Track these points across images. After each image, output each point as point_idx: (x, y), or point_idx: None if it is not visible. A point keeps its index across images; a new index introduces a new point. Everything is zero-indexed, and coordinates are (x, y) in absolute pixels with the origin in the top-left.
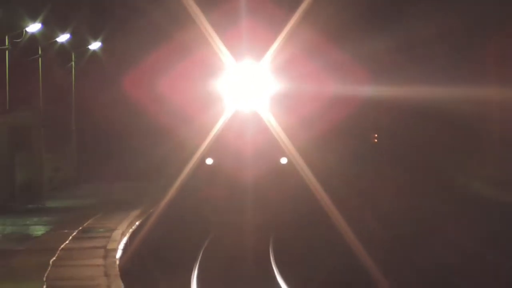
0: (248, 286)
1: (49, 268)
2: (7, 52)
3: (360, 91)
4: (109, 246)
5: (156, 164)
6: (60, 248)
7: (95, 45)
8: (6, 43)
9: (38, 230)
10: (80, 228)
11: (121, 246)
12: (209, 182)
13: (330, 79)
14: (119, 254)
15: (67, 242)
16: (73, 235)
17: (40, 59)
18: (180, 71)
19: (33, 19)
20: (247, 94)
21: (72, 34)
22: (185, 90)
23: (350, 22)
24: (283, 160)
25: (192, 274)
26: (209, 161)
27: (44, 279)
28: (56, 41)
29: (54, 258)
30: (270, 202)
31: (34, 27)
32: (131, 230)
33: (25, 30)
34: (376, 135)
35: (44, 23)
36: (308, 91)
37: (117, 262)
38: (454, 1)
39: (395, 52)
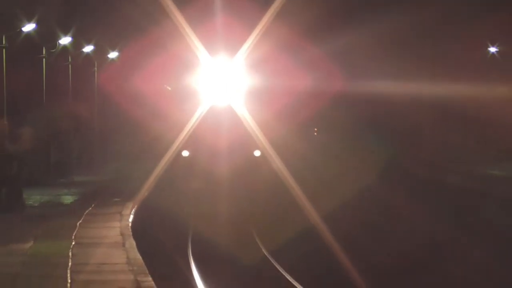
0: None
1: (76, 229)
2: (43, 60)
3: (330, 86)
4: (124, 212)
5: (146, 149)
6: (85, 213)
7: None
8: (43, 52)
9: (68, 199)
10: (101, 197)
11: (133, 211)
12: (185, 174)
13: (303, 74)
14: (131, 218)
15: (90, 208)
16: (95, 203)
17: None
18: (156, 66)
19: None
20: (222, 89)
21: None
22: (161, 85)
23: (324, 19)
24: (257, 153)
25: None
26: (185, 153)
27: (73, 237)
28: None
29: (80, 221)
30: (244, 192)
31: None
32: (141, 199)
33: (58, 43)
34: (316, 129)
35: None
36: (281, 86)
37: (130, 224)
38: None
39: (365, 48)
